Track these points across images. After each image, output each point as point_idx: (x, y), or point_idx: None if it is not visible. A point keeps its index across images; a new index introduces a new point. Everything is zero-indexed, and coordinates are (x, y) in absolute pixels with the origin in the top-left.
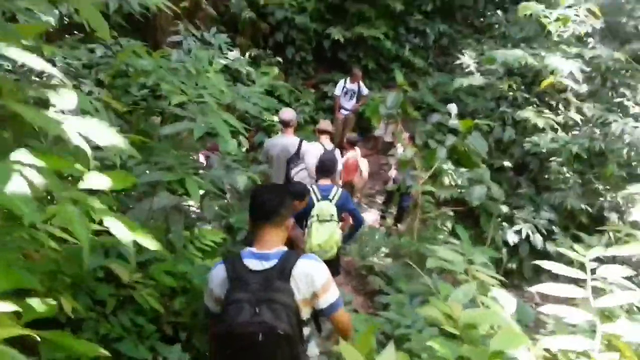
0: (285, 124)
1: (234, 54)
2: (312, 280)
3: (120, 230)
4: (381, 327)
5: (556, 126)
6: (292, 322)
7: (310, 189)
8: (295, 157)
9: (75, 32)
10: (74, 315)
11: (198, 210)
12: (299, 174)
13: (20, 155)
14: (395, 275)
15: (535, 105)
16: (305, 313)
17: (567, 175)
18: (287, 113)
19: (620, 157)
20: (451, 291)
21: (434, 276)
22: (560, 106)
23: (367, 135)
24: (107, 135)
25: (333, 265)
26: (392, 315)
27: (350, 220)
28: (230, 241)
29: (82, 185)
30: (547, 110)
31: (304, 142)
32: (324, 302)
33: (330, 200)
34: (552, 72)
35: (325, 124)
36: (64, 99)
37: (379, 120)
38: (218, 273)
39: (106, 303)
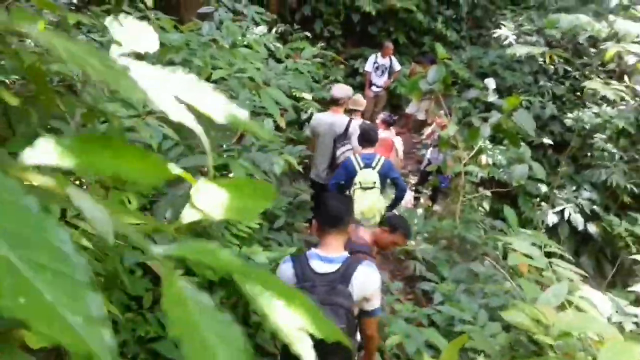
0: (335, 101)
1: (261, 29)
2: (367, 286)
3: None
4: (466, 339)
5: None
6: (350, 324)
7: (352, 158)
8: (343, 137)
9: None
10: (109, 316)
11: None
12: (345, 154)
13: (46, 144)
14: (435, 260)
15: (583, 77)
16: (355, 314)
17: (613, 151)
18: (339, 90)
19: None
20: (535, 291)
21: (485, 263)
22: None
23: (398, 113)
24: (219, 102)
25: None
26: (445, 309)
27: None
28: (268, 227)
29: (189, 216)
30: (614, 82)
31: (353, 122)
32: (370, 306)
33: (373, 168)
34: (618, 40)
35: (354, 101)
36: (143, 37)
37: (420, 97)
38: (286, 271)
39: (142, 299)
